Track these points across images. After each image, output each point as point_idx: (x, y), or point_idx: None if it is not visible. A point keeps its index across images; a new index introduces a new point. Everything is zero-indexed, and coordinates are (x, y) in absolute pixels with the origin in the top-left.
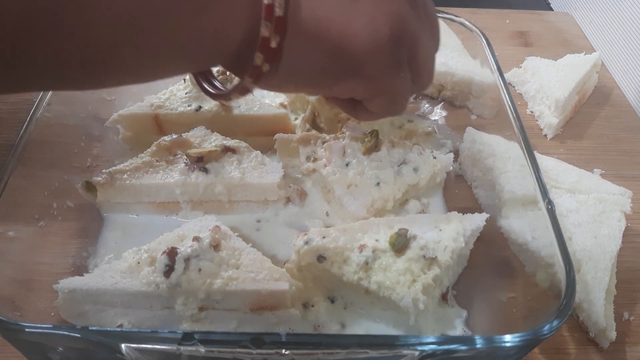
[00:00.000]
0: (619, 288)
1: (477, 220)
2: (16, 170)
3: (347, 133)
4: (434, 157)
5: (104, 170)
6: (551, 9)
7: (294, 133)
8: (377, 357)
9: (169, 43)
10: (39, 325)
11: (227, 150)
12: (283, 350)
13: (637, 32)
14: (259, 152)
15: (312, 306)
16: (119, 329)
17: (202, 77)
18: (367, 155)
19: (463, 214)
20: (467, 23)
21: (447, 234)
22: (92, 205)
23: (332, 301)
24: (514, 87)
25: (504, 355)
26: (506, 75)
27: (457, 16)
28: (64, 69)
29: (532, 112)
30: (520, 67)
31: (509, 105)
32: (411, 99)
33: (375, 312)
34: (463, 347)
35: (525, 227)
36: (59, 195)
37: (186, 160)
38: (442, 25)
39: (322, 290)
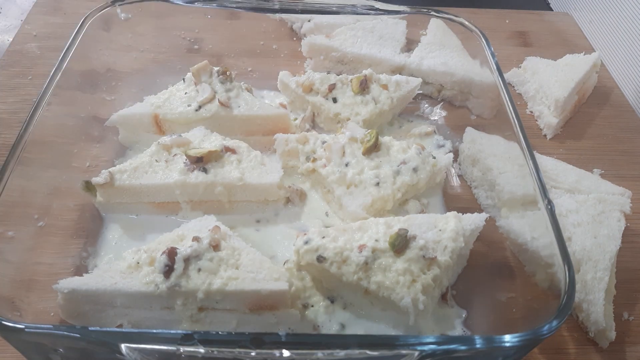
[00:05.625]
0: (619, 288)
1: (477, 220)
2: (16, 171)
3: (347, 133)
4: (434, 157)
5: (103, 171)
6: (550, 9)
7: (294, 133)
8: (377, 357)
9: None
10: (38, 326)
11: (226, 150)
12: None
13: (636, 32)
14: (258, 152)
15: (312, 306)
16: (118, 329)
17: None
18: (366, 155)
19: (463, 214)
20: (466, 23)
21: (447, 234)
22: (92, 206)
23: (332, 301)
24: (513, 87)
25: (503, 355)
26: (506, 75)
27: (456, 16)
28: None
29: (531, 112)
30: (520, 67)
31: (508, 105)
32: (411, 99)
33: (375, 312)
34: (462, 347)
35: (525, 227)
36: (58, 196)
37: (186, 160)
38: (442, 25)
39: (321, 291)
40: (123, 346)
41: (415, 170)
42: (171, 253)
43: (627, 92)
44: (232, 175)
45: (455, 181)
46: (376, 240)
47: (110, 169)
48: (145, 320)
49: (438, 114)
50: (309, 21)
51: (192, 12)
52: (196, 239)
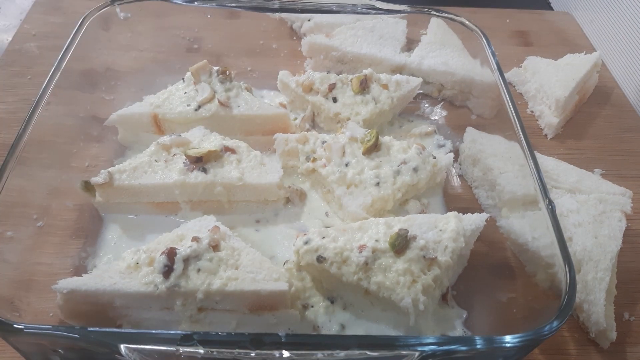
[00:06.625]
0: (620, 288)
1: (477, 221)
2: (15, 170)
3: (347, 133)
4: (434, 157)
5: (102, 170)
6: (551, 8)
7: (294, 133)
8: (377, 358)
9: None
10: (38, 326)
11: (226, 150)
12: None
13: (637, 32)
14: (258, 152)
15: (312, 307)
16: (117, 330)
17: None
18: (366, 155)
19: (463, 214)
20: (467, 22)
21: (447, 234)
22: (91, 206)
23: (332, 302)
24: (514, 86)
25: (504, 356)
26: (506, 75)
27: (457, 15)
28: None
29: (532, 111)
30: (521, 66)
31: (509, 104)
32: (412, 99)
33: (375, 313)
34: (463, 348)
35: (526, 227)
36: (57, 196)
37: (185, 160)
38: (443, 25)
39: (321, 291)
40: (122, 347)
41: (415, 170)
42: (170, 253)
43: (627, 92)
44: (231, 175)
45: (456, 181)
46: (376, 241)
47: (109, 169)
48: (144, 321)
49: (438, 113)
50: (309, 20)
51: (192, 12)
52: (196, 239)
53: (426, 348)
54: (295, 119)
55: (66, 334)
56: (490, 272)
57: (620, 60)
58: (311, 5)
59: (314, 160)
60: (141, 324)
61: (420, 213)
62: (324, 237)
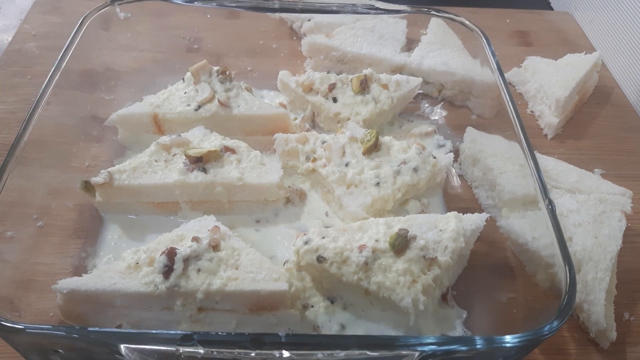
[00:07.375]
0: (620, 288)
1: (477, 221)
2: (15, 170)
3: (347, 133)
4: (434, 157)
5: (102, 171)
6: (551, 8)
7: (294, 133)
8: (377, 358)
9: None
10: (38, 326)
11: (226, 150)
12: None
13: (637, 32)
14: (258, 152)
15: (312, 307)
16: (117, 330)
17: None
18: (366, 155)
19: (463, 214)
20: (467, 22)
21: (447, 234)
22: (91, 206)
23: (332, 302)
24: (514, 86)
25: (504, 356)
26: (506, 75)
27: (457, 15)
28: None
29: (532, 111)
30: (521, 66)
31: (509, 104)
32: (412, 99)
33: (375, 313)
34: (463, 348)
35: (526, 227)
36: (57, 196)
37: (185, 160)
38: (443, 25)
39: (321, 291)
40: (122, 347)
41: (415, 170)
42: (170, 253)
43: (627, 92)
44: (231, 175)
45: (456, 181)
46: (376, 241)
47: (109, 169)
48: (144, 321)
49: (438, 113)
50: (309, 20)
51: (192, 12)
52: (196, 239)
53: (426, 348)
54: (295, 119)
55: (66, 334)
56: (490, 272)
57: (620, 60)
58: (311, 5)
59: (314, 160)
60: (141, 324)
61: (420, 213)
62: (324, 237)
